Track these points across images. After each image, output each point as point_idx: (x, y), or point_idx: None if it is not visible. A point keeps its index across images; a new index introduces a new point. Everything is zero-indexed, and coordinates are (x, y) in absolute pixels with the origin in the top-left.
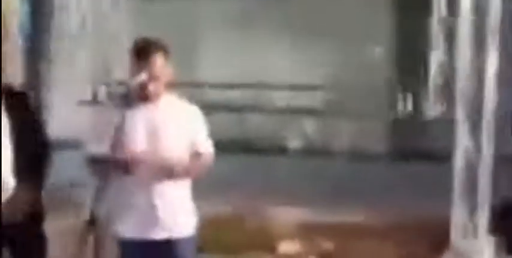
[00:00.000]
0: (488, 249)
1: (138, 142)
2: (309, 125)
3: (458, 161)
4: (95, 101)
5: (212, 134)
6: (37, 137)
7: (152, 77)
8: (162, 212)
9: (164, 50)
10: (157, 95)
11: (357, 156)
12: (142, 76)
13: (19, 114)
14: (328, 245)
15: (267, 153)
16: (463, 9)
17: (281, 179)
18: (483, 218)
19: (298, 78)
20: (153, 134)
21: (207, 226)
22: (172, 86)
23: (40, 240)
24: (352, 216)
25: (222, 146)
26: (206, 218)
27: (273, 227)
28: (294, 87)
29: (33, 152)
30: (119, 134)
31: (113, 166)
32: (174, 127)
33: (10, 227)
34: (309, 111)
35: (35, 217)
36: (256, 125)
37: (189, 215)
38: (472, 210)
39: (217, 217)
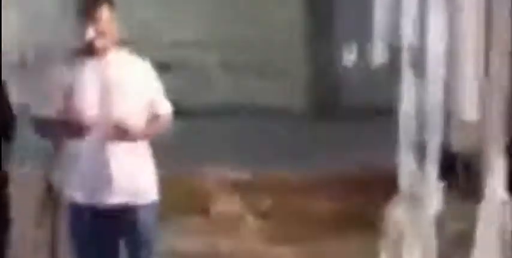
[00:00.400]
0: (437, 195)
1: (89, 102)
2: (228, 83)
3: (406, 108)
4: (23, 64)
5: None
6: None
7: (100, 32)
8: (117, 176)
9: (109, 3)
10: (106, 51)
11: (283, 113)
12: (90, 32)
13: None
14: (264, 203)
15: (190, 114)
16: None
17: (208, 139)
18: (432, 164)
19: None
20: (105, 93)
21: None
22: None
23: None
24: (287, 173)
25: None
26: None
27: (206, 187)
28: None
29: None
30: (68, 95)
31: (64, 130)
32: (128, 84)
33: None
34: (227, 69)
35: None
36: (176, 85)
37: (149, 179)
38: (421, 158)
39: None
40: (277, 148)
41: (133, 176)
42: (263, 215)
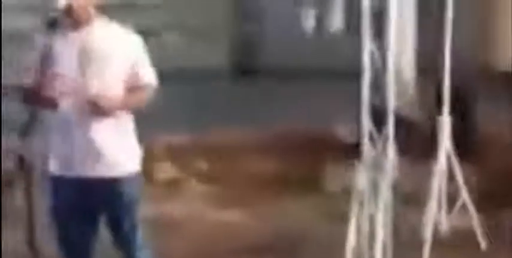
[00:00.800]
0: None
1: (68, 73)
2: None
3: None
4: None
5: None
6: None
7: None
8: (98, 147)
9: None
10: (87, 20)
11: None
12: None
13: None
14: (204, 166)
15: None
16: None
17: None
18: (389, 129)
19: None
20: (86, 64)
21: None
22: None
23: None
24: (224, 136)
25: None
26: None
27: (147, 153)
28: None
29: None
30: (45, 65)
31: (38, 99)
32: (109, 54)
33: None
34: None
35: None
36: None
37: (130, 151)
38: (377, 123)
39: None
40: (213, 110)
41: (114, 147)
42: (206, 179)
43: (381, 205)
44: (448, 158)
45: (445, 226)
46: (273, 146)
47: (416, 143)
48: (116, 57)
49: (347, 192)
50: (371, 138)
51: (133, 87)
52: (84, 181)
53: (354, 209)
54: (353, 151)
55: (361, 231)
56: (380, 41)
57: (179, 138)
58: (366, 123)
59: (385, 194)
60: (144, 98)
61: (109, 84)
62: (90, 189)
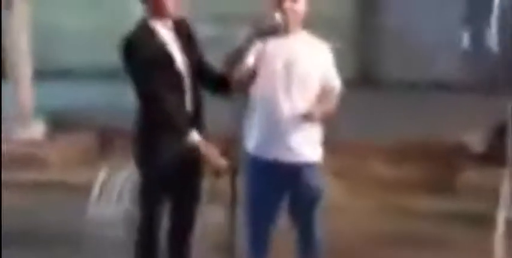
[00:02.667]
0: None
1: (274, 71)
2: None
3: None
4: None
5: None
6: None
7: (293, 13)
8: (294, 138)
9: None
10: (295, 30)
11: None
12: (277, 17)
13: None
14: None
15: None
16: None
17: None
18: None
19: None
20: (291, 69)
21: None
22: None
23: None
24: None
25: None
26: None
27: None
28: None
29: None
30: (257, 60)
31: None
32: (310, 62)
33: None
34: None
35: None
36: None
37: (317, 143)
38: None
39: None
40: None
41: (304, 137)
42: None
43: None
44: None
45: None
46: (400, 154)
47: None
48: (315, 64)
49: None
50: None
51: (325, 91)
52: (276, 164)
53: (501, 213)
54: (481, 159)
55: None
56: None
57: None
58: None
59: None
60: (334, 103)
61: (307, 89)
62: (278, 171)
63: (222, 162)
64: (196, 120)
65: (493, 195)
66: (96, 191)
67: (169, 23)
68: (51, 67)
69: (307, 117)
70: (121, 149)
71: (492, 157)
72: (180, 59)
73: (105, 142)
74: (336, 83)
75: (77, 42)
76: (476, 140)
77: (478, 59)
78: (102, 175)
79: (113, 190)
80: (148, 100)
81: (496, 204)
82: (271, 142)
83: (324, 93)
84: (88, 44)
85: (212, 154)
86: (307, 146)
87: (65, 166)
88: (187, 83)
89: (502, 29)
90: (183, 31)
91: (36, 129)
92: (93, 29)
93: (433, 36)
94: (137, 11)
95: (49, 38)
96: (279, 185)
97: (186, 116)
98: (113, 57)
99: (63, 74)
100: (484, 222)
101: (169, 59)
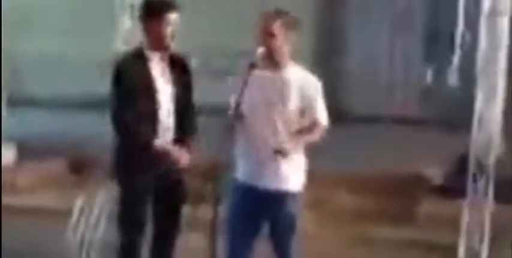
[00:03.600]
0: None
1: (259, 103)
2: None
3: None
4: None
5: None
6: None
7: (271, 35)
8: (278, 165)
9: (286, 20)
10: (283, 63)
11: None
12: (260, 50)
13: None
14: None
15: None
16: None
17: None
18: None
19: None
20: (274, 99)
21: None
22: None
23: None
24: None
25: None
26: None
27: None
28: None
29: None
30: (241, 96)
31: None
32: (292, 93)
33: None
34: None
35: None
36: None
37: (300, 172)
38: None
39: None
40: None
41: (288, 165)
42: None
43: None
44: None
45: None
46: (363, 185)
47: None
48: (301, 97)
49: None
50: (474, 181)
51: (310, 125)
52: (260, 190)
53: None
54: (441, 191)
55: None
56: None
57: None
58: (472, 167)
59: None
60: (317, 136)
61: (292, 120)
62: (262, 198)
63: (185, 158)
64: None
65: (452, 226)
66: (74, 216)
67: (165, 56)
68: (22, 95)
69: (279, 153)
70: (93, 176)
71: (451, 189)
72: (164, 91)
73: (77, 169)
74: (322, 116)
75: (52, 71)
76: (436, 173)
77: (439, 95)
78: (79, 201)
79: (90, 216)
80: (118, 125)
81: (455, 234)
82: (258, 170)
83: (309, 126)
84: (61, 73)
85: (174, 152)
86: (292, 174)
87: (34, 192)
88: (164, 113)
89: (462, 66)
90: (178, 66)
91: (6, 155)
92: (68, 58)
93: (395, 74)
94: (110, 41)
95: (21, 66)
96: (261, 211)
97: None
98: (86, 87)
99: (34, 101)
100: (443, 251)
101: (151, 88)
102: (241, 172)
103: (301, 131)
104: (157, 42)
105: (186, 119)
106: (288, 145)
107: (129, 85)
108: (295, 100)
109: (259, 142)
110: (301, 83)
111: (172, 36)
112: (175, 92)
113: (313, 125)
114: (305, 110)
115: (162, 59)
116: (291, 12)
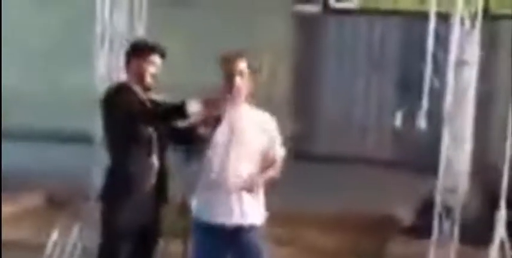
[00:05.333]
0: None
1: (219, 141)
2: None
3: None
4: None
5: None
6: None
7: (237, 74)
8: (238, 204)
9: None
10: (241, 103)
11: None
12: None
13: None
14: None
15: None
16: None
17: None
18: None
19: None
20: (234, 137)
21: None
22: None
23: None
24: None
25: None
26: None
27: None
28: None
29: None
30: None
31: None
32: (251, 134)
33: None
34: None
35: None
36: None
37: (259, 207)
38: None
39: None
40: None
41: (248, 200)
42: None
43: None
44: (502, 247)
45: None
46: (334, 224)
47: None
48: (259, 133)
49: None
50: (440, 221)
51: (269, 159)
52: (220, 227)
53: None
54: (409, 231)
55: None
56: None
57: None
58: (438, 208)
59: None
60: (277, 171)
61: (252, 157)
62: (225, 234)
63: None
64: (160, 181)
65: None
66: (48, 250)
67: (147, 94)
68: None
69: (244, 188)
70: (69, 210)
71: (419, 229)
72: None
73: (54, 203)
74: (279, 151)
75: (32, 105)
76: (406, 213)
77: (409, 138)
78: (53, 235)
79: (65, 250)
80: (117, 155)
81: None
82: (216, 206)
83: (268, 161)
84: (42, 107)
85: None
86: (251, 209)
87: (12, 225)
88: (154, 144)
89: (431, 110)
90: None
91: None
92: (49, 93)
93: (368, 116)
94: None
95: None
96: (226, 247)
97: (148, 178)
98: (67, 121)
99: (10, 135)
100: None
101: (144, 112)
102: (201, 210)
103: (263, 168)
104: (139, 80)
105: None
106: (254, 178)
107: (122, 112)
108: (257, 138)
109: (221, 179)
110: (261, 121)
111: (154, 77)
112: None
113: (272, 159)
114: (267, 148)
115: (144, 94)
116: (268, 57)
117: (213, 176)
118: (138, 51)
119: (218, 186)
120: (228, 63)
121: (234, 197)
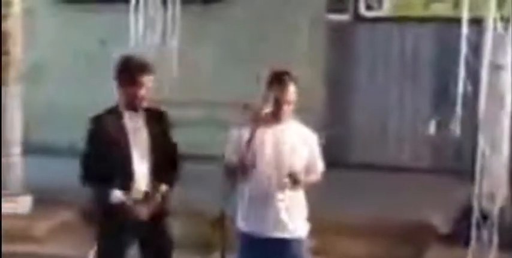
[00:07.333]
0: None
1: (264, 155)
2: None
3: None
4: None
5: None
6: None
7: (286, 102)
8: (281, 214)
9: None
10: (286, 118)
11: None
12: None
13: None
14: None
15: None
16: None
17: None
18: None
19: None
20: (278, 151)
21: None
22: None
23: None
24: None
25: None
26: None
27: None
28: None
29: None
30: (248, 148)
31: (236, 170)
32: (297, 147)
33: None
34: None
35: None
36: None
37: (304, 219)
38: None
39: None
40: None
41: (292, 215)
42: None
43: None
44: None
45: None
46: (368, 232)
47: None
48: (302, 150)
49: None
50: (478, 229)
51: (309, 172)
52: (265, 240)
53: None
54: (446, 239)
55: None
56: None
57: None
58: (476, 214)
59: None
60: (316, 180)
61: (297, 168)
62: (270, 246)
63: (143, 213)
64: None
65: None
66: None
67: (140, 111)
68: (36, 144)
69: (291, 177)
70: None
71: (456, 236)
72: (138, 144)
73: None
74: (320, 165)
75: (69, 120)
76: (441, 220)
77: (444, 145)
78: (92, 250)
79: None
80: (86, 179)
81: None
82: (262, 220)
83: (310, 174)
84: (75, 122)
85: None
86: (296, 222)
87: (50, 240)
88: (138, 166)
89: (467, 116)
90: (154, 118)
91: (22, 204)
92: (85, 107)
93: (399, 124)
94: None
95: (35, 116)
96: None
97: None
98: None
99: (49, 151)
100: None
101: (124, 143)
102: (243, 222)
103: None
104: (131, 104)
105: (163, 169)
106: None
107: (102, 140)
108: (301, 153)
109: (263, 192)
110: (303, 136)
111: (146, 97)
112: (152, 144)
113: (312, 172)
114: (309, 162)
115: (136, 116)
116: (302, 67)
117: (260, 189)
118: (126, 75)
119: (263, 199)
120: (279, 85)
121: (280, 210)
